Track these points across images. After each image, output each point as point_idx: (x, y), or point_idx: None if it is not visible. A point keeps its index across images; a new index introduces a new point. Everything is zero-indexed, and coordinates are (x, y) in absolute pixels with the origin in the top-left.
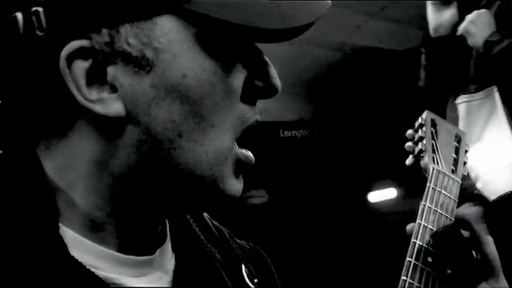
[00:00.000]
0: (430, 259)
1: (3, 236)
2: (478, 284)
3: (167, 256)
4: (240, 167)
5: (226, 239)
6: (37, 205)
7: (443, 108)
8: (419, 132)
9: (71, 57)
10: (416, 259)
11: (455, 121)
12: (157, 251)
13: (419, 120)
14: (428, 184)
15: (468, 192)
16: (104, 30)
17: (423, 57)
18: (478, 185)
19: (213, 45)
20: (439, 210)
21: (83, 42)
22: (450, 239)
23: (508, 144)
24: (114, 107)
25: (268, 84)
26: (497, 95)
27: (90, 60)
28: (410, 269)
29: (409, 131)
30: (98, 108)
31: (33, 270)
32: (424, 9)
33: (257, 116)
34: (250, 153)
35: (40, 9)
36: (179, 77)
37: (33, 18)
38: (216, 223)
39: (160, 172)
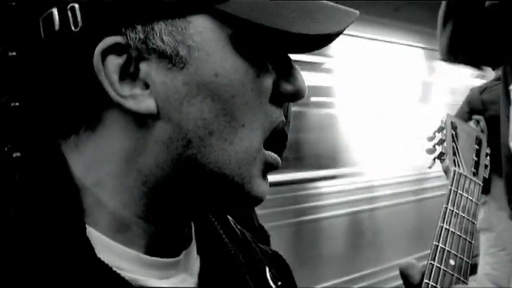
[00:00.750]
0: (452, 262)
1: (30, 239)
2: None
3: (192, 258)
4: (267, 169)
5: (249, 242)
6: (62, 206)
7: None
8: (440, 135)
9: (105, 53)
10: (439, 262)
11: None
12: (183, 253)
13: (440, 123)
14: (449, 187)
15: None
16: (139, 27)
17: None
18: None
19: (245, 46)
20: (460, 213)
21: (118, 39)
22: None
23: None
24: (146, 103)
25: (295, 88)
26: None
27: (124, 56)
28: (433, 272)
29: (430, 134)
30: (130, 104)
31: (60, 272)
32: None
33: (283, 118)
34: (277, 156)
35: (76, 5)
36: (211, 76)
37: (69, 14)
38: (239, 227)
39: (189, 170)
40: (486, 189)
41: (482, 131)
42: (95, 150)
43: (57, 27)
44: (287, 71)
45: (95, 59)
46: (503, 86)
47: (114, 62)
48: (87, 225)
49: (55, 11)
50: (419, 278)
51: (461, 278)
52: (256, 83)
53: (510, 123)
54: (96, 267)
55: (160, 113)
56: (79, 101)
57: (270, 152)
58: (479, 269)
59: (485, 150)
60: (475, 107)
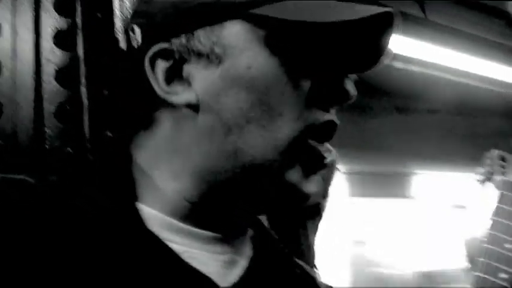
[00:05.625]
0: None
1: (88, 212)
2: None
3: (246, 245)
4: (312, 163)
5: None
6: (122, 189)
7: None
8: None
9: (154, 58)
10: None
11: None
12: (237, 238)
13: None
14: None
15: None
16: (182, 35)
17: None
18: None
19: (278, 44)
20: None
21: (164, 45)
22: None
23: None
24: (186, 96)
25: (339, 91)
26: None
27: (169, 60)
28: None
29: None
30: (173, 98)
31: (112, 240)
32: None
33: (332, 117)
34: (324, 152)
35: (137, 28)
36: (245, 68)
37: (132, 35)
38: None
39: (232, 158)
40: None
41: None
42: (153, 145)
43: (124, 48)
44: (330, 74)
45: (145, 63)
46: None
47: (161, 65)
48: (142, 204)
49: (123, 34)
50: None
51: None
52: (291, 78)
53: None
54: (145, 237)
55: (202, 105)
56: (138, 105)
57: (316, 143)
58: None
59: None
60: None
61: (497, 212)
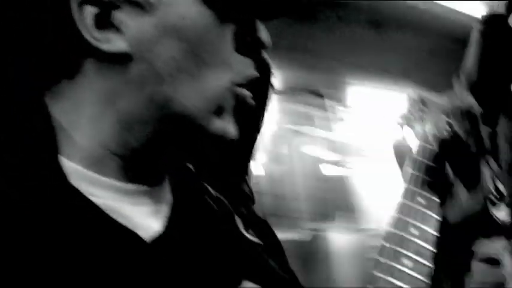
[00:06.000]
0: (420, 199)
1: (4, 165)
2: None
3: (166, 191)
4: (237, 109)
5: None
6: (38, 141)
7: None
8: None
9: (82, 3)
10: (408, 199)
11: None
12: (158, 186)
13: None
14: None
15: None
16: None
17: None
18: None
19: None
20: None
21: None
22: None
23: None
24: (119, 44)
25: (256, 39)
26: None
27: (99, 6)
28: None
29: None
30: (105, 46)
31: (33, 196)
32: None
33: (255, 73)
34: (249, 97)
35: None
36: (178, 18)
37: None
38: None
39: (161, 106)
40: None
41: None
42: (74, 96)
43: None
44: (248, 23)
45: (73, 7)
46: None
47: (90, 11)
48: (62, 157)
49: None
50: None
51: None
52: (220, 29)
53: None
54: (67, 192)
55: (134, 54)
56: (60, 51)
57: (243, 91)
58: None
59: None
60: None
61: (415, 166)
